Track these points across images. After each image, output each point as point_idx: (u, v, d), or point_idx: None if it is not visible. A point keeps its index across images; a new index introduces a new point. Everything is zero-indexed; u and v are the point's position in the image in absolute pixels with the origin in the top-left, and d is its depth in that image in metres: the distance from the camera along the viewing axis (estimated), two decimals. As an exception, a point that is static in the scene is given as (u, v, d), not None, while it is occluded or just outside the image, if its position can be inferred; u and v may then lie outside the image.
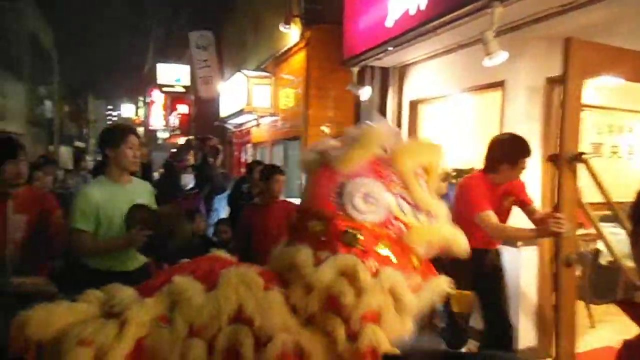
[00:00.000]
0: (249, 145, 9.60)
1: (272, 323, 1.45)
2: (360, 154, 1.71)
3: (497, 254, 2.89)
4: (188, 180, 4.88)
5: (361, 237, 1.58)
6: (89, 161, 6.67)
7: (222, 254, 1.88)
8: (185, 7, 14.97)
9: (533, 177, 3.59)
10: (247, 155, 9.64)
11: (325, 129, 6.38)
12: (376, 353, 1.41)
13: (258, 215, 3.55)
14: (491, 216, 2.61)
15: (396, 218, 1.68)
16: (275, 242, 3.52)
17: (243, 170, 9.31)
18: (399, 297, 1.53)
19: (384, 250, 1.60)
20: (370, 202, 1.65)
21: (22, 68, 15.61)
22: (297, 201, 4.49)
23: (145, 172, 4.15)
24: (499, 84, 3.83)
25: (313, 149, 1.92)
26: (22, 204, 2.62)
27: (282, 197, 3.75)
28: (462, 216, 2.40)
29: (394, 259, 1.60)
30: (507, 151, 2.76)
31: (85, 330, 1.42)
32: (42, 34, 18.57)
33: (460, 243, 1.77)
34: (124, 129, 2.66)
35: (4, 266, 2.39)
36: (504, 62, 3.27)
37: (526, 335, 3.55)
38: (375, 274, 1.52)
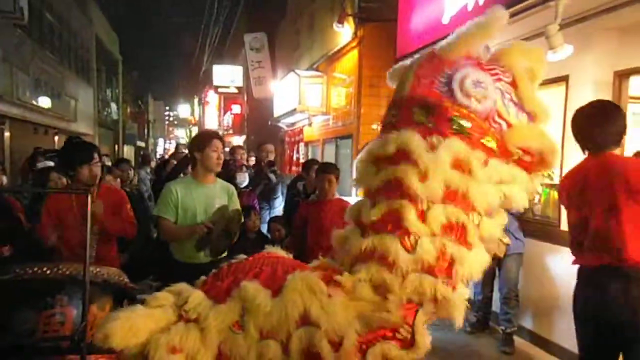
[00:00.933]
0: (301, 144, 9.75)
1: (339, 325, 1.48)
2: (469, 41, 1.62)
3: None
4: (243, 179, 5.04)
5: (469, 125, 1.54)
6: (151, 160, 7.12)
7: (279, 252, 1.92)
8: (241, 9, 15.41)
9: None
10: (300, 154, 9.78)
11: (378, 127, 6.37)
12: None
13: (314, 212, 3.62)
14: None
15: (499, 115, 1.59)
16: (329, 237, 3.61)
17: (295, 168, 9.48)
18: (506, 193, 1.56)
19: (490, 143, 1.56)
20: (481, 87, 1.56)
21: (91, 73, 16.73)
22: (350, 199, 4.54)
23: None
24: (562, 79, 3.66)
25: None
26: (96, 198, 2.89)
27: (336, 196, 3.80)
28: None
29: (498, 154, 1.57)
30: None
31: (175, 338, 1.47)
32: (108, 39, 19.78)
33: (554, 157, 1.62)
34: (209, 134, 2.99)
35: (84, 257, 2.61)
36: (568, 55, 3.13)
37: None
38: (485, 164, 1.53)
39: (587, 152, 2.24)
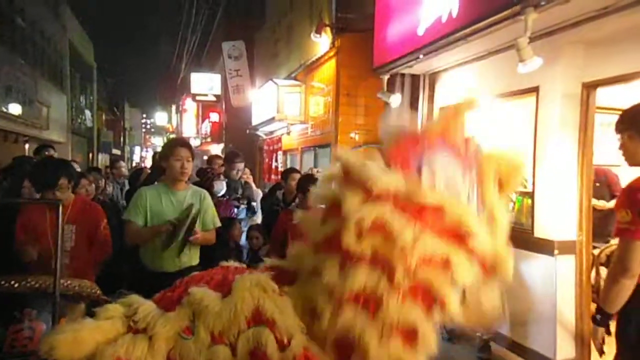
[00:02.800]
0: (279, 153, 9.74)
1: (291, 323, 1.47)
2: (450, 124, 1.62)
3: None
4: (220, 187, 5.00)
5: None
6: (122, 168, 6.89)
7: (233, 263, 1.86)
8: (219, 18, 15.38)
9: (569, 187, 3.53)
10: (278, 163, 9.77)
11: (355, 136, 6.42)
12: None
13: (294, 222, 3.62)
14: None
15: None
16: None
17: (274, 177, 9.46)
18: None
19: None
20: (450, 189, 1.53)
21: (64, 79, 16.37)
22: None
23: None
24: (532, 90, 3.78)
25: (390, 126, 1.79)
26: (72, 214, 2.84)
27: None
28: None
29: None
30: None
31: (121, 349, 1.44)
32: (82, 45, 19.43)
33: (507, 265, 1.54)
34: (173, 143, 3.02)
35: (54, 270, 2.54)
36: (538, 67, 3.24)
37: (564, 346, 3.47)
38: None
39: None
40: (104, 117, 25.91)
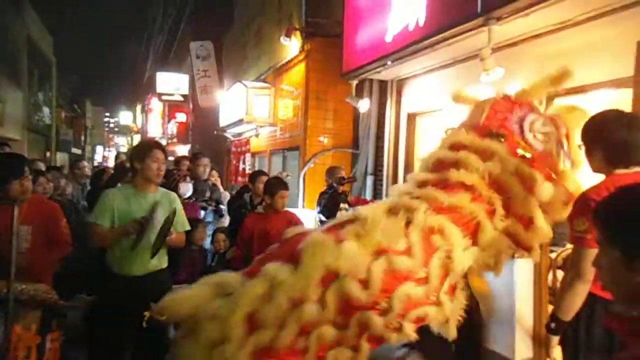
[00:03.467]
0: (247, 155, 9.66)
1: (358, 263, 1.73)
2: (539, 90, 2.05)
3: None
4: (186, 189, 4.90)
5: (529, 156, 1.93)
6: (85, 168, 6.57)
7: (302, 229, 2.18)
8: (187, 17, 15.13)
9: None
10: (246, 165, 9.69)
11: (324, 139, 6.45)
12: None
13: (261, 224, 3.60)
14: None
15: (552, 157, 1.96)
16: None
17: (241, 179, 9.36)
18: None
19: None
20: (545, 132, 1.96)
21: (21, 74, 15.66)
22: (297, 211, 4.56)
23: None
24: (495, 99, 3.91)
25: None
26: (28, 214, 2.71)
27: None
28: None
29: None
30: None
31: (213, 308, 1.77)
32: (41, 40, 18.65)
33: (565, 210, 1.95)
34: (150, 144, 2.97)
35: (8, 274, 2.43)
36: (500, 77, 3.36)
37: (523, 347, 3.58)
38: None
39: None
40: (63, 114, 24.89)
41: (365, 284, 1.71)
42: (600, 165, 1.96)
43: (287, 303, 1.72)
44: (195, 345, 1.75)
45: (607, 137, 1.91)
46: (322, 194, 4.63)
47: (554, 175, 1.96)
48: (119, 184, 4.10)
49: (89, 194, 5.45)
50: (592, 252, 1.83)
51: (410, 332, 1.81)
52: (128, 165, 3.81)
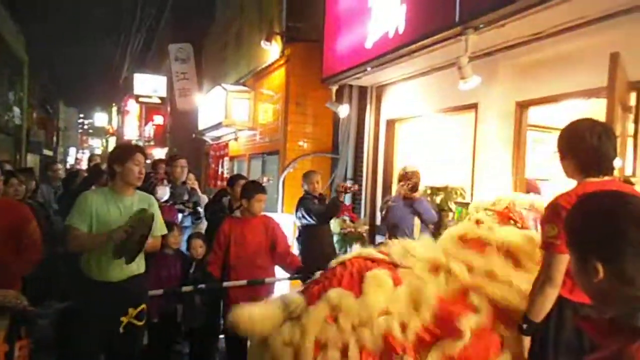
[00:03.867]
0: (226, 159, 9.57)
1: (405, 311, 2.04)
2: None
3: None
4: (163, 193, 4.82)
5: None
6: (59, 171, 6.33)
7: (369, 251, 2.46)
8: (166, 18, 14.95)
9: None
10: (225, 169, 9.60)
11: (304, 144, 6.46)
12: None
13: (238, 228, 3.57)
14: None
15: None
16: (253, 256, 3.58)
17: (220, 183, 9.26)
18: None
19: None
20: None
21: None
22: (276, 216, 4.54)
23: None
24: (472, 106, 3.99)
25: None
26: None
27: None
28: None
29: None
30: None
31: (286, 334, 2.02)
32: (12, 38, 18.10)
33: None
34: (131, 147, 2.96)
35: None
36: (477, 85, 3.43)
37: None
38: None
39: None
40: (35, 115, 24.19)
41: (405, 329, 2.01)
42: (573, 172, 2.02)
43: (349, 326, 2.01)
44: None
45: (579, 145, 1.96)
46: (301, 199, 4.58)
47: None
48: (93, 187, 4.00)
49: (60, 197, 5.29)
50: (562, 257, 1.89)
51: None
52: (104, 167, 3.73)
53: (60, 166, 6.73)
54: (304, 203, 4.47)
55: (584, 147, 1.94)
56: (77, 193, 3.44)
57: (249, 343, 2.61)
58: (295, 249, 4.67)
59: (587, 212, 1.04)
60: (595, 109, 3.32)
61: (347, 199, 5.74)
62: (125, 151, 2.81)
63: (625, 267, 0.95)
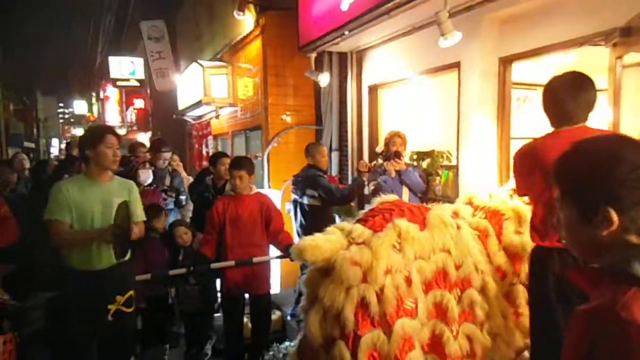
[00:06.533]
0: (209, 138, 9.38)
1: (462, 251, 2.19)
2: None
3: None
4: (146, 176, 4.70)
5: None
6: (24, 160, 6.07)
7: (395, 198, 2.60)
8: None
9: (489, 159, 3.67)
10: (209, 148, 9.42)
11: (287, 118, 6.30)
12: None
13: (232, 207, 3.52)
14: None
15: None
16: (249, 234, 3.54)
17: (205, 163, 9.11)
18: None
19: None
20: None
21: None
22: (262, 191, 4.43)
23: None
24: (454, 65, 3.87)
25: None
26: None
27: (254, 190, 3.70)
28: None
29: None
30: None
31: (355, 255, 2.02)
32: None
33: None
34: (102, 130, 2.79)
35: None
36: (459, 43, 3.30)
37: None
38: None
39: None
40: (12, 107, 23.51)
41: (458, 268, 2.18)
42: (552, 124, 2.12)
43: (412, 255, 2.08)
44: (336, 284, 1.99)
45: (556, 97, 2.07)
46: (314, 176, 4.17)
47: None
48: (66, 175, 3.87)
49: (32, 189, 5.14)
50: None
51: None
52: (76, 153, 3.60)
53: (24, 156, 6.45)
54: (320, 181, 4.08)
55: (560, 98, 2.05)
56: (48, 184, 3.33)
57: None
58: (295, 229, 4.53)
59: (598, 159, 0.95)
60: (580, 62, 3.23)
61: (334, 170, 5.65)
62: (95, 134, 2.69)
63: (637, 215, 0.91)
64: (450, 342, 2.05)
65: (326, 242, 2.08)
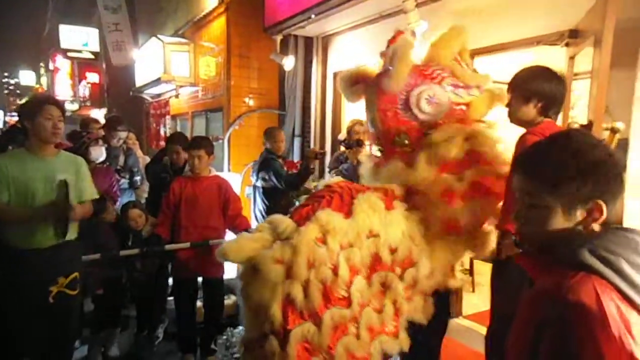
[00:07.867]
0: (167, 117, 9.08)
1: (394, 236, 2.04)
2: (404, 68, 2.08)
3: None
4: (99, 154, 4.49)
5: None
6: None
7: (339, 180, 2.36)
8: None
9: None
10: (167, 128, 9.11)
11: (250, 101, 6.18)
12: None
13: (189, 189, 3.43)
14: None
15: (457, 104, 2.10)
16: (205, 217, 3.46)
17: (162, 143, 8.82)
18: None
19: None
20: (434, 102, 2.10)
21: None
22: (222, 174, 4.33)
23: None
24: (419, 57, 3.90)
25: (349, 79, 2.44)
26: None
27: (213, 172, 3.61)
28: None
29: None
30: None
31: (276, 253, 1.94)
32: None
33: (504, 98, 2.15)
34: (41, 99, 2.59)
35: None
36: (424, 32, 3.32)
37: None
38: None
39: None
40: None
41: (394, 251, 2.06)
42: (536, 115, 2.09)
43: (337, 247, 2.00)
44: (261, 283, 1.95)
45: (544, 87, 2.06)
46: (267, 160, 4.18)
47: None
48: (10, 147, 3.62)
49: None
50: None
51: (419, 304, 2.16)
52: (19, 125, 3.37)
53: None
54: (272, 164, 4.13)
55: (549, 89, 2.05)
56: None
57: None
58: (252, 213, 4.50)
59: (564, 155, 0.97)
60: (543, 59, 3.34)
61: (296, 156, 5.61)
62: (34, 104, 2.51)
63: (614, 206, 0.95)
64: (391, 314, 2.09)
65: (250, 241, 2.05)
